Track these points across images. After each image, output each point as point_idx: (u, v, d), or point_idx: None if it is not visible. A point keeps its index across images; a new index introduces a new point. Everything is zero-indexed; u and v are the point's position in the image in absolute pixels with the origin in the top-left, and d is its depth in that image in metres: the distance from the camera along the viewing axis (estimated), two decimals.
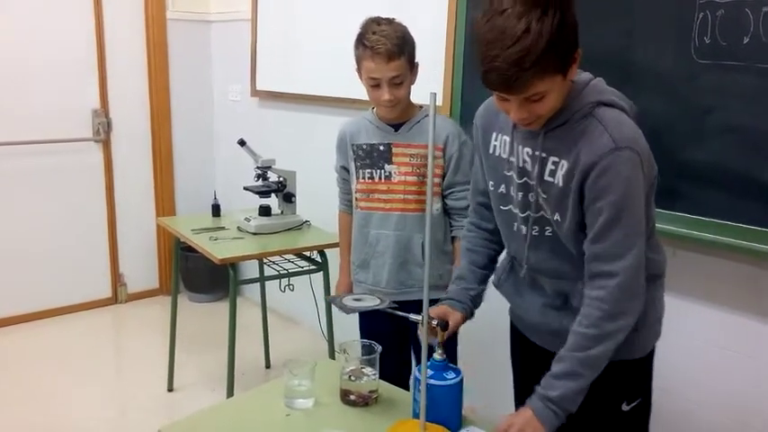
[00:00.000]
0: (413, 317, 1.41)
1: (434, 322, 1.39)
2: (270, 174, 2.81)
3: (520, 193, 1.42)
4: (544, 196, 1.37)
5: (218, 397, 2.89)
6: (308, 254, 2.71)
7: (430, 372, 1.34)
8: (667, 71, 1.93)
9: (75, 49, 3.71)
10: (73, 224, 3.86)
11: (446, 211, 2.07)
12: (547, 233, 1.41)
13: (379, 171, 2.04)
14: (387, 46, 1.85)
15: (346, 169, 2.16)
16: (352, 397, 1.47)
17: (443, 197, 2.05)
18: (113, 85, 3.86)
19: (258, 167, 2.79)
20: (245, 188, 2.84)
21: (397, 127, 2.02)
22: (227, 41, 4.07)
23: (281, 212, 2.83)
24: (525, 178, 1.40)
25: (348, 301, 1.50)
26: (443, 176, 2.02)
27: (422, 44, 2.81)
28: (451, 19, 2.62)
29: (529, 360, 1.61)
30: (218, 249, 2.50)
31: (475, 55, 1.24)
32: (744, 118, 1.79)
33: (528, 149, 1.38)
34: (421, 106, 2.03)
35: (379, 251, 2.07)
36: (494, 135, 1.48)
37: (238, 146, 2.79)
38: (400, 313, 1.45)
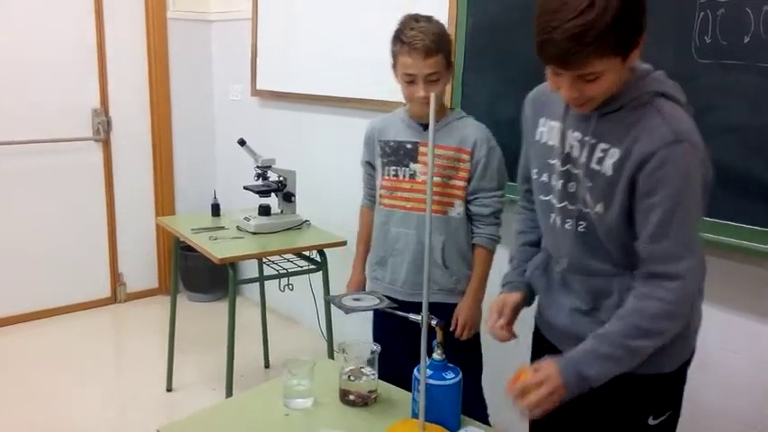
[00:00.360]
0: (412, 317, 1.41)
1: (434, 322, 1.38)
2: (270, 173, 2.81)
3: (560, 182, 1.37)
4: (589, 185, 1.31)
5: (217, 397, 2.89)
6: (307, 253, 2.71)
7: (429, 372, 1.34)
8: (668, 71, 1.87)
9: (76, 48, 3.71)
10: (72, 223, 3.85)
11: (469, 217, 2.04)
12: (580, 228, 1.36)
13: (403, 169, 2.01)
14: (425, 42, 1.83)
15: (371, 165, 2.14)
16: (352, 397, 1.47)
17: (467, 202, 2.02)
18: (113, 84, 3.86)
19: (258, 167, 2.78)
20: (245, 188, 2.84)
21: (426, 126, 1.99)
22: (227, 41, 4.07)
23: (281, 212, 2.83)
24: (568, 165, 1.35)
25: (347, 300, 1.49)
26: (469, 180, 1.99)
27: None
28: (452, 19, 2.61)
29: None
30: (217, 249, 2.50)
31: (533, 24, 1.18)
32: (745, 118, 1.79)
33: (578, 134, 1.33)
34: (453, 108, 2.01)
35: (398, 249, 2.05)
36: (541, 121, 1.44)
37: (238, 145, 2.79)
38: (400, 313, 1.45)
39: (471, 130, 1.99)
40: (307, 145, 3.55)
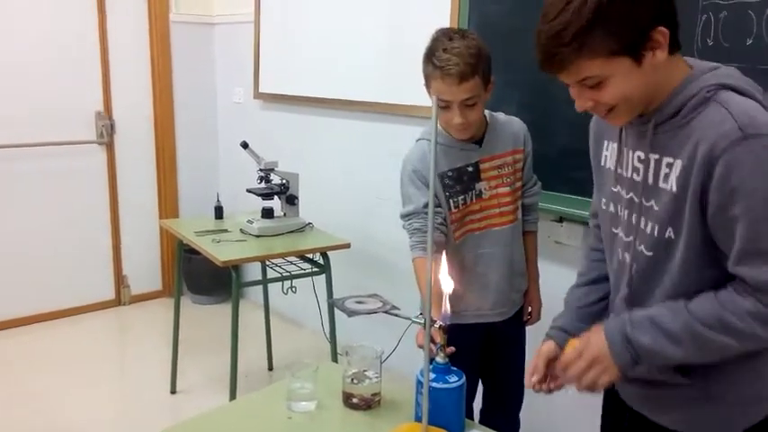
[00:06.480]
0: (415, 319, 1.41)
1: (437, 324, 1.38)
2: (273, 176, 2.81)
3: (626, 211, 1.23)
4: (656, 209, 1.15)
5: (220, 399, 2.89)
6: (310, 256, 2.71)
7: (432, 375, 1.34)
8: None
9: (79, 51, 3.72)
10: (76, 226, 3.86)
11: (522, 208, 1.98)
12: (633, 269, 1.22)
13: (470, 193, 1.87)
14: (459, 67, 1.65)
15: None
16: (355, 400, 1.47)
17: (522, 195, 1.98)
18: (117, 87, 3.87)
19: (261, 170, 2.79)
20: (248, 190, 2.84)
21: (479, 142, 1.87)
22: (230, 44, 4.08)
23: (284, 215, 2.84)
24: (632, 194, 1.20)
25: (350, 303, 1.49)
26: (523, 179, 1.95)
27: (422, 45, 2.82)
28: (453, 19, 2.61)
29: (615, 421, 1.44)
30: (220, 251, 2.50)
31: None
32: None
33: (639, 153, 1.18)
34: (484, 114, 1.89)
35: (480, 272, 1.92)
36: (605, 144, 1.30)
37: (241, 148, 2.79)
38: (403, 316, 1.45)
39: (515, 127, 1.93)
40: (309, 147, 3.55)
